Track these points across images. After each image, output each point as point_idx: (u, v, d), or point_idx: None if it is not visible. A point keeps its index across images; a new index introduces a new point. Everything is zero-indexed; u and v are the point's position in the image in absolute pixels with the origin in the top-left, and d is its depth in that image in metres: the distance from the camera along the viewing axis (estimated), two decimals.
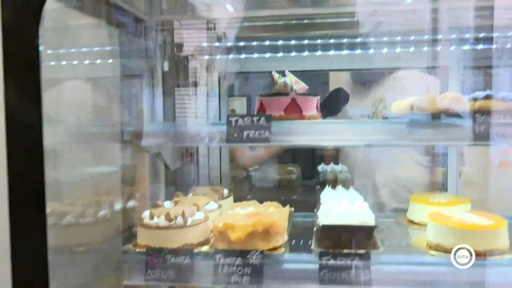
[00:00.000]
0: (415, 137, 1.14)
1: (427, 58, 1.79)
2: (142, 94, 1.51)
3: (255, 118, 1.17)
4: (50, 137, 0.94)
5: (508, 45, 1.38)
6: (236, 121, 1.18)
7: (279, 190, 2.29)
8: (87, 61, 1.38)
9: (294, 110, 1.28)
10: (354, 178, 1.94)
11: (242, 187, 2.29)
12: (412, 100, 1.34)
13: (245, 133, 1.17)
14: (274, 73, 1.45)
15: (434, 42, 1.72)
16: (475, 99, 1.14)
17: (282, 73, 1.45)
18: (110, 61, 1.45)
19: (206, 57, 1.80)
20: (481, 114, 1.07)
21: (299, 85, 1.43)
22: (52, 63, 1.13)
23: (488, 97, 1.09)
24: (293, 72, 1.42)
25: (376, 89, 2.06)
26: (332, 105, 2.07)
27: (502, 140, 1.06)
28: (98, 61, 1.43)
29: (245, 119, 1.18)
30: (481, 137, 1.06)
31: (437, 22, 1.54)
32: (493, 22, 1.32)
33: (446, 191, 1.80)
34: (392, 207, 1.96)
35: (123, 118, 1.46)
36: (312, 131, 1.16)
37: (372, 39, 1.70)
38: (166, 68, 1.66)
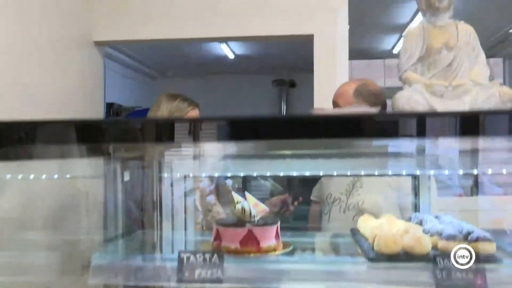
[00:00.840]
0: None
1: None
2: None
3: (207, 256, 1.10)
4: None
5: None
6: (188, 258, 1.10)
7: None
8: None
9: (251, 241, 1.21)
10: None
11: None
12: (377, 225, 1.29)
13: (196, 272, 1.09)
14: (234, 194, 1.40)
15: None
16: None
17: (243, 194, 1.40)
18: None
19: None
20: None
21: (259, 208, 1.38)
22: None
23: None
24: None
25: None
26: None
27: None
28: None
29: (197, 255, 1.10)
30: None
31: None
32: None
33: None
34: None
35: None
36: (268, 271, 1.10)
37: None
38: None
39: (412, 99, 1.18)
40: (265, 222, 1.29)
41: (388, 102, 1.97)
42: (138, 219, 1.58)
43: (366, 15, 4.78)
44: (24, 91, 2.35)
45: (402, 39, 5.95)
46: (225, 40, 3.29)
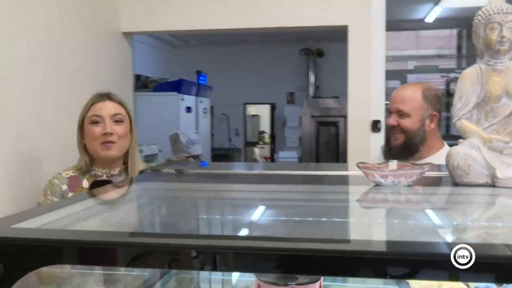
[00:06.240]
0: None
1: None
2: None
3: None
4: None
5: None
6: None
7: None
8: None
9: None
10: None
11: None
12: None
13: None
14: None
15: None
16: None
17: None
18: None
19: None
20: None
21: None
22: None
23: None
24: None
25: None
26: None
27: None
28: None
29: None
30: None
31: None
32: None
33: None
34: None
35: None
36: None
37: None
38: None
39: (469, 157, 1.09)
40: (307, 278, 1.25)
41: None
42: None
43: None
44: (60, 76, 2.41)
45: (436, 9, 5.71)
46: (259, 30, 3.16)
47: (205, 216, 1.11)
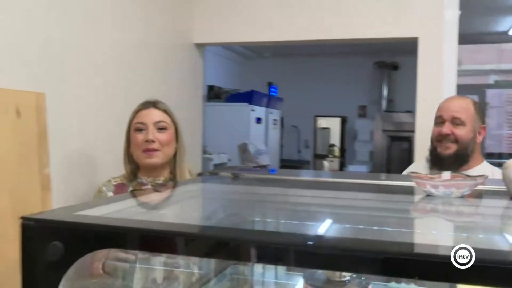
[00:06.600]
0: None
1: None
2: None
3: None
4: None
5: None
6: None
7: None
8: None
9: None
10: None
11: None
12: None
13: None
14: None
15: None
16: None
17: None
18: None
19: None
20: None
21: None
22: None
23: None
24: None
25: None
26: None
27: None
28: None
29: None
30: None
31: None
32: None
33: None
34: None
35: None
36: None
37: None
38: None
39: None
40: (356, 285, 1.25)
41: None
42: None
43: None
44: (136, 84, 2.55)
45: None
46: (331, 42, 3.17)
47: (264, 216, 1.15)
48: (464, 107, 1.96)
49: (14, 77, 1.83)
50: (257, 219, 1.13)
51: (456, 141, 1.93)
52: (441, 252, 0.69)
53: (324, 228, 0.92)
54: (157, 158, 1.81)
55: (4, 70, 1.78)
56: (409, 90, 3.34)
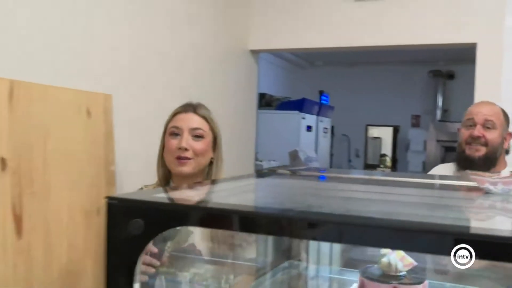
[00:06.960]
0: None
1: None
2: None
3: None
4: None
5: None
6: None
7: None
8: None
9: None
10: None
11: None
12: None
13: None
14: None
15: None
16: None
17: None
18: None
19: None
20: None
21: (405, 261, 1.36)
22: None
23: None
24: None
25: None
26: None
27: None
28: None
29: None
30: None
31: None
32: None
33: None
34: None
35: None
36: None
37: None
38: None
39: None
40: (411, 279, 1.27)
41: None
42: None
43: None
44: (194, 89, 2.66)
45: None
46: (384, 48, 3.19)
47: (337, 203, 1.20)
48: (496, 112, 2.02)
49: (84, 79, 1.97)
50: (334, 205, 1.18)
51: (486, 144, 1.97)
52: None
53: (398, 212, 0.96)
54: (188, 167, 1.68)
55: (77, 72, 1.93)
56: (465, 100, 3.28)
